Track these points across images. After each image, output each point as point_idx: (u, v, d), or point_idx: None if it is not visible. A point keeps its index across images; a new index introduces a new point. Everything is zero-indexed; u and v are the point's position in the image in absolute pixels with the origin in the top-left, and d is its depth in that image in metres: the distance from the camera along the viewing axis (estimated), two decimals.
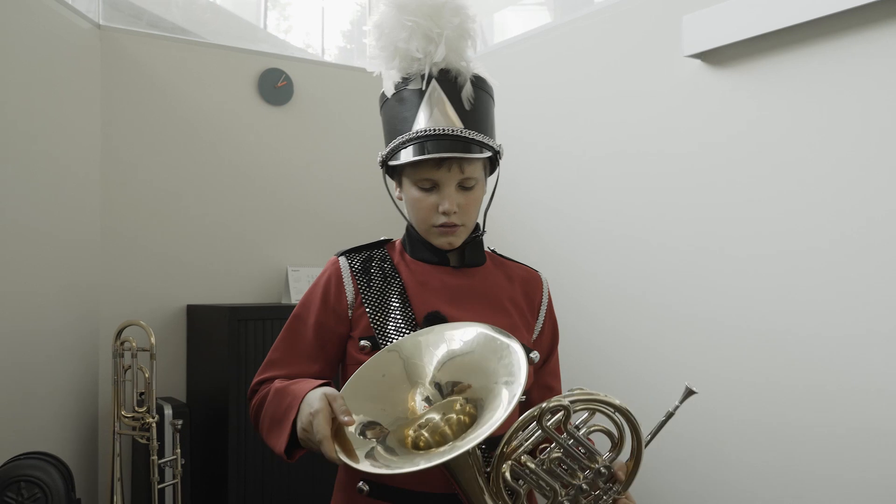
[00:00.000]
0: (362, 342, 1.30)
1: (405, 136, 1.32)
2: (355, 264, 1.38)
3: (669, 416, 1.22)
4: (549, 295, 1.48)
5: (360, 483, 1.29)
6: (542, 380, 1.45)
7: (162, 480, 2.40)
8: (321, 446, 1.08)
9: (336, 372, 1.40)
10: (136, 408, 2.33)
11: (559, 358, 1.49)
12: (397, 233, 1.47)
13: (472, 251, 1.41)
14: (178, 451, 2.40)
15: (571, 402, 1.16)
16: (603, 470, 1.19)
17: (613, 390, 2.51)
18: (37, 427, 2.32)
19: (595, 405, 1.19)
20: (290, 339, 1.37)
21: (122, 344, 2.34)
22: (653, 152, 2.44)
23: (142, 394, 2.40)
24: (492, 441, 1.18)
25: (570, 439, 1.18)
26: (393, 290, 1.34)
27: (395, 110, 1.35)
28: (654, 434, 1.23)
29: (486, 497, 1.16)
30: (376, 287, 1.35)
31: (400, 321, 1.31)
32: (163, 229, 2.98)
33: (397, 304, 1.33)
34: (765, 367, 2.12)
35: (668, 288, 2.38)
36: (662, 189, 2.41)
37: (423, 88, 1.32)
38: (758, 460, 2.14)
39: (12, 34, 2.27)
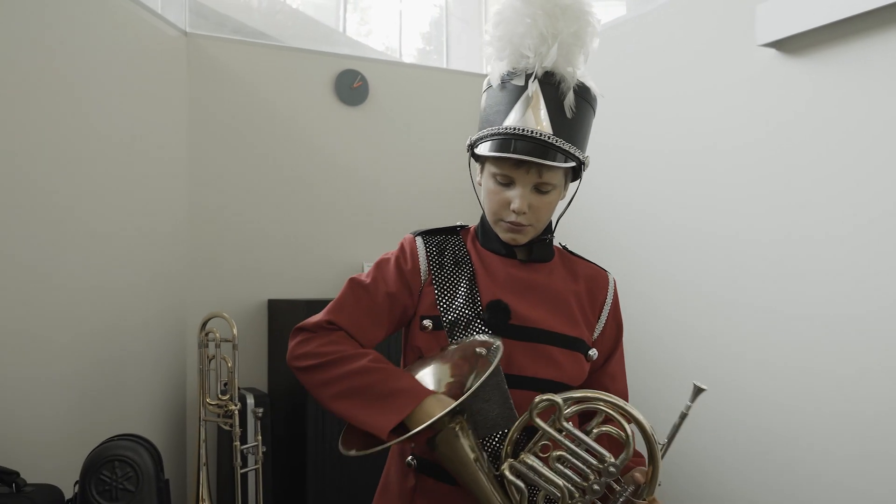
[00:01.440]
0: (425, 321, 1.34)
1: (493, 129, 1.34)
2: (430, 245, 1.42)
3: (683, 417, 1.21)
4: (616, 295, 1.47)
5: (409, 458, 1.35)
6: (600, 381, 1.44)
7: (244, 466, 2.50)
8: None
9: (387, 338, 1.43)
10: (220, 396, 2.45)
11: (624, 363, 1.48)
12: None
13: (540, 248, 1.42)
14: (259, 437, 2.50)
15: (564, 399, 1.20)
16: (612, 469, 1.18)
17: (684, 388, 2.50)
18: (130, 411, 2.47)
19: (593, 403, 1.21)
20: (357, 300, 1.37)
21: (206, 335, 2.46)
22: (727, 143, 2.39)
23: (225, 383, 2.52)
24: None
25: (571, 439, 1.20)
26: (463, 275, 1.38)
27: (494, 100, 1.37)
28: (670, 438, 1.22)
29: (492, 495, 1.20)
30: (448, 269, 1.38)
31: (465, 306, 1.34)
32: (246, 226, 3.11)
33: (465, 289, 1.36)
34: (853, 361, 2.06)
35: (747, 282, 2.34)
36: (736, 181, 2.36)
37: (525, 86, 1.33)
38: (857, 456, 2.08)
39: (106, 42, 2.42)
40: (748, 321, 2.31)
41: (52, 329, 2.11)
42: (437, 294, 1.36)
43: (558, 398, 1.19)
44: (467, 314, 1.33)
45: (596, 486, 1.19)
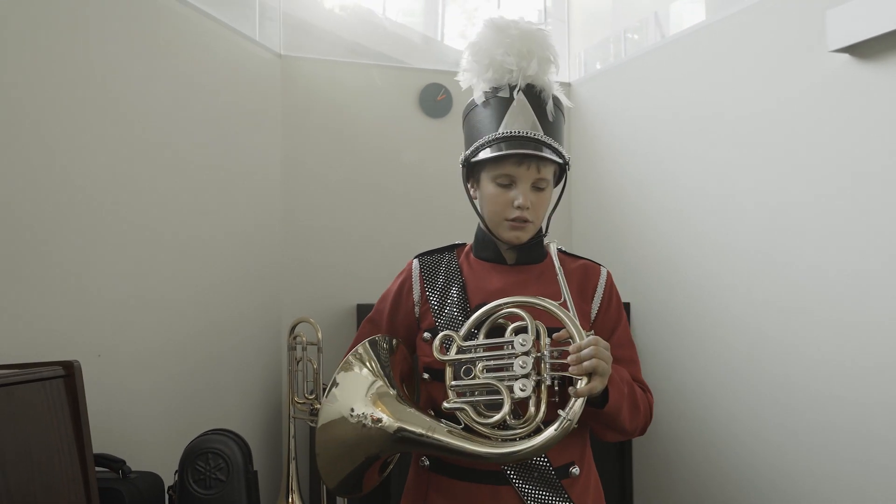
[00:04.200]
0: (425, 333, 1.49)
1: (491, 136, 1.49)
2: (426, 266, 1.57)
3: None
4: (610, 285, 1.58)
5: (423, 458, 1.49)
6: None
7: None
8: None
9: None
10: (307, 395, 2.63)
11: (631, 348, 1.58)
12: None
13: (528, 251, 1.55)
14: None
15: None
16: (522, 343, 1.30)
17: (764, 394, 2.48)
18: (227, 408, 2.71)
19: (490, 315, 1.37)
20: (371, 329, 1.62)
21: (294, 338, 2.64)
22: (800, 150, 2.36)
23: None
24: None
25: (481, 350, 1.34)
26: (454, 286, 1.52)
27: (482, 115, 1.53)
28: (566, 301, 1.35)
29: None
30: (440, 286, 1.53)
31: (455, 311, 1.49)
32: (336, 235, 3.30)
33: (455, 298, 1.51)
34: None
35: (815, 295, 2.30)
36: (810, 190, 2.33)
37: (511, 97, 1.49)
38: None
39: (208, 67, 2.66)
40: (821, 320, 2.28)
41: (158, 334, 2.34)
42: (432, 307, 1.49)
43: (449, 332, 1.37)
44: (458, 318, 1.45)
45: (521, 364, 1.29)
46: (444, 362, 1.37)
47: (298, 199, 3.23)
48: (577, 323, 1.32)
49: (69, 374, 1.71)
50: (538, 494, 1.44)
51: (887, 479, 2.08)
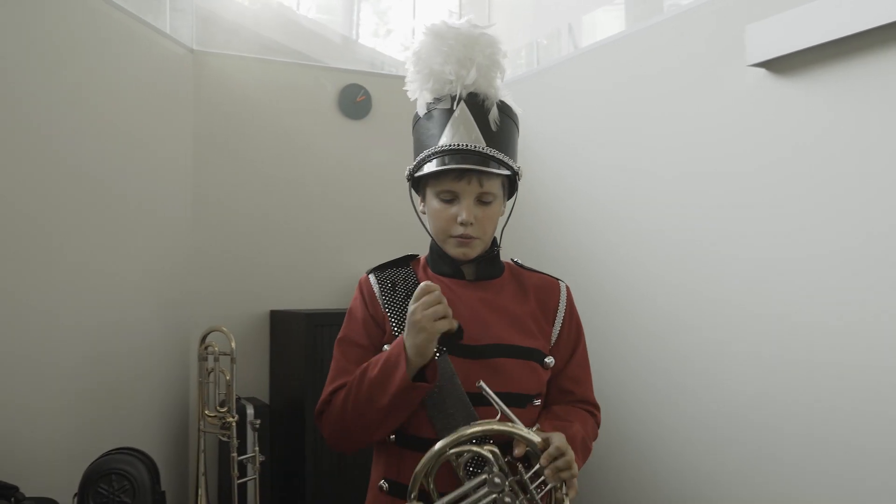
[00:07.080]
0: (385, 348, 1.40)
1: (431, 150, 1.43)
2: (383, 280, 1.48)
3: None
4: (570, 301, 1.53)
5: (381, 482, 1.42)
6: (562, 386, 1.50)
7: (243, 476, 2.55)
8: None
9: None
10: (219, 408, 2.50)
11: (588, 366, 1.54)
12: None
13: (487, 265, 1.49)
14: (257, 448, 2.55)
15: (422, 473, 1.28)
16: (496, 480, 1.25)
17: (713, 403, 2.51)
18: (132, 424, 2.54)
19: (444, 456, 1.27)
20: (345, 354, 1.45)
21: (205, 348, 2.51)
22: (717, 161, 2.41)
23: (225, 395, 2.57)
24: None
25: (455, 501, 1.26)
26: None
27: (425, 128, 1.47)
28: (499, 408, 1.29)
29: None
30: (400, 300, 1.45)
31: None
32: (249, 239, 3.17)
33: None
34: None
35: (735, 306, 2.35)
36: (725, 202, 2.37)
37: (452, 108, 1.42)
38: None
39: (116, 62, 2.50)
40: (746, 323, 2.33)
41: (54, 347, 2.18)
42: (392, 325, 1.42)
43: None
44: None
45: (507, 500, 1.24)
46: None
47: (210, 202, 3.09)
48: (530, 434, 1.28)
49: None
50: None
51: (832, 479, 2.14)
